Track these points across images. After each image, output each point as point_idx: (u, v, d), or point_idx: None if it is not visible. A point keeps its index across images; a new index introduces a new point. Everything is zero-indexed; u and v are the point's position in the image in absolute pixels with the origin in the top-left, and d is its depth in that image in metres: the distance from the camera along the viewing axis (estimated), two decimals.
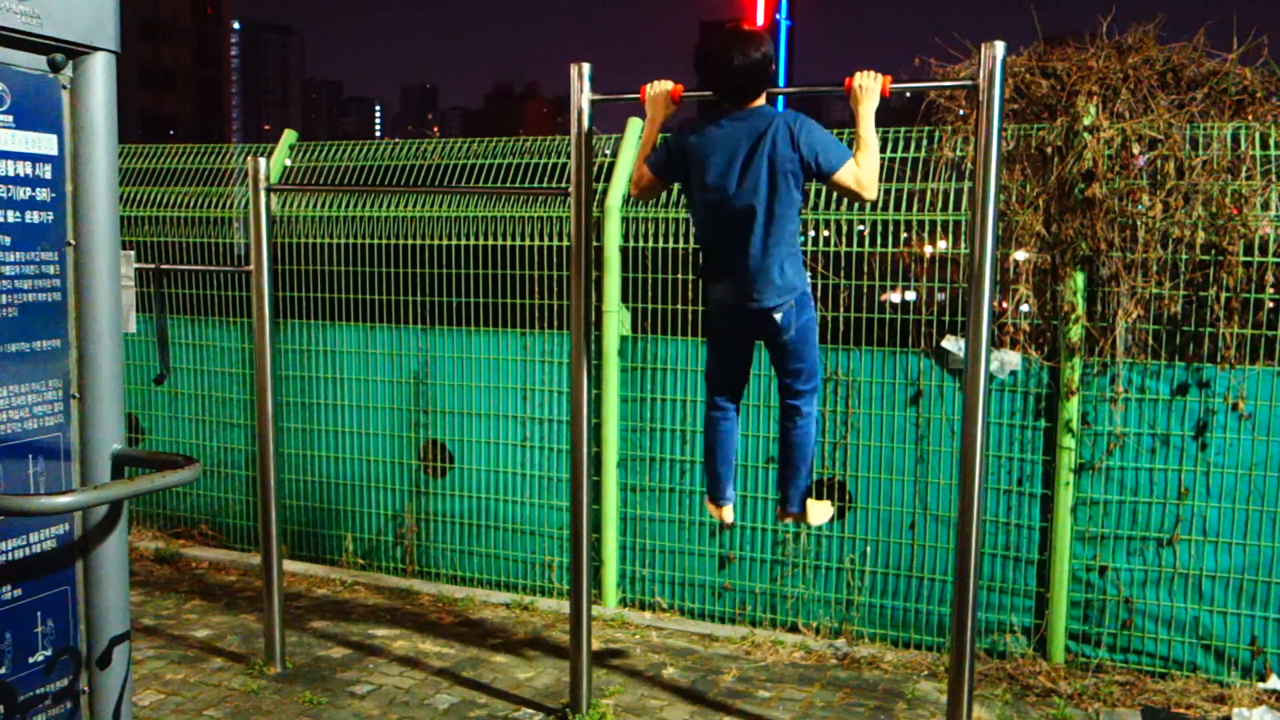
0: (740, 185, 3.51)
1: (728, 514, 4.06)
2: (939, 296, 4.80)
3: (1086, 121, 4.46)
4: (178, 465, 2.27)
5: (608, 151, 5.50)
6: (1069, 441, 4.56)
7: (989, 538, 4.72)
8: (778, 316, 3.62)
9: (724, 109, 3.55)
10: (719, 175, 3.53)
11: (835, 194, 4.34)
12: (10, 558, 2.24)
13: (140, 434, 6.54)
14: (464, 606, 5.43)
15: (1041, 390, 4.64)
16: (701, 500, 5.13)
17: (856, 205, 4.76)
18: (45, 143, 2.27)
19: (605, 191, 5.24)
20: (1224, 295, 4.36)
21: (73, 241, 2.33)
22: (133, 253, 4.77)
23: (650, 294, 5.23)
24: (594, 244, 4.18)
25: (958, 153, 4.76)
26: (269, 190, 4.43)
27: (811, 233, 4.99)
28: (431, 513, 5.80)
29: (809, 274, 3.85)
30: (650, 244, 5.18)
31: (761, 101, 3.53)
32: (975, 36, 3.91)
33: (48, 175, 2.28)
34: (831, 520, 4.93)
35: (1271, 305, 4.35)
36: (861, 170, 3.48)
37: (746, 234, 3.53)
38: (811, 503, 3.96)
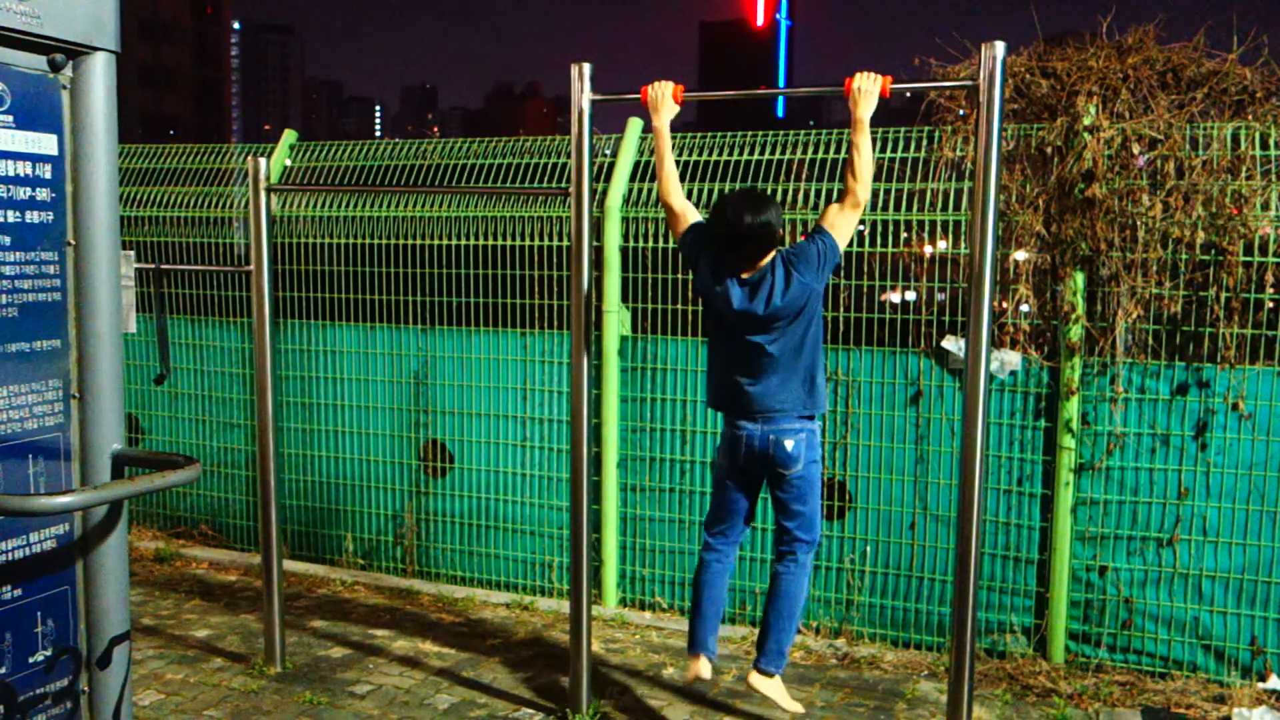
0: (764, 330, 3.59)
1: (704, 668, 3.81)
2: (939, 296, 4.80)
3: (1086, 121, 4.46)
4: (178, 465, 2.27)
5: (608, 151, 5.50)
6: (1069, 441, 4.56)
7: (989, 538, 4.72)
8: (789, 444, 3.63)
9: (737, 265, 3.61)
10: (744, 317, 3.60)
11: (834, 196, 4.35)
12: (10, 558, 2.24)
13: (140, 434, 6.54)
14: (464, 606, 5.43)
15: (1041, 390, 4.64)
16: (701, 500, 5.14)
17: None
18: (45, 143, 2.26)
19: (605, 191, 5.24)
20: (1224, 295, 4.36)
21: (73, 241, 2.33)
22: (133, 253, 4.77)
23: (650, 294, 5.22)
24: (594, 244, 4.18)
25: (958, 153, 4.76)
26: (269, 190, 4.43)
27: None
28: (431, 513, 5.80)
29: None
30: (650, 244, 5.18)
31: (770, 258, 3.60)
32: (975, 36, 3.92)
33: (48, 175, 2.28)
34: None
35: (1271, 305, 4.35)
36: (847, 203, 3.58)
37: (767, 354, 3.60)
38: (782, 685, 3.83)
